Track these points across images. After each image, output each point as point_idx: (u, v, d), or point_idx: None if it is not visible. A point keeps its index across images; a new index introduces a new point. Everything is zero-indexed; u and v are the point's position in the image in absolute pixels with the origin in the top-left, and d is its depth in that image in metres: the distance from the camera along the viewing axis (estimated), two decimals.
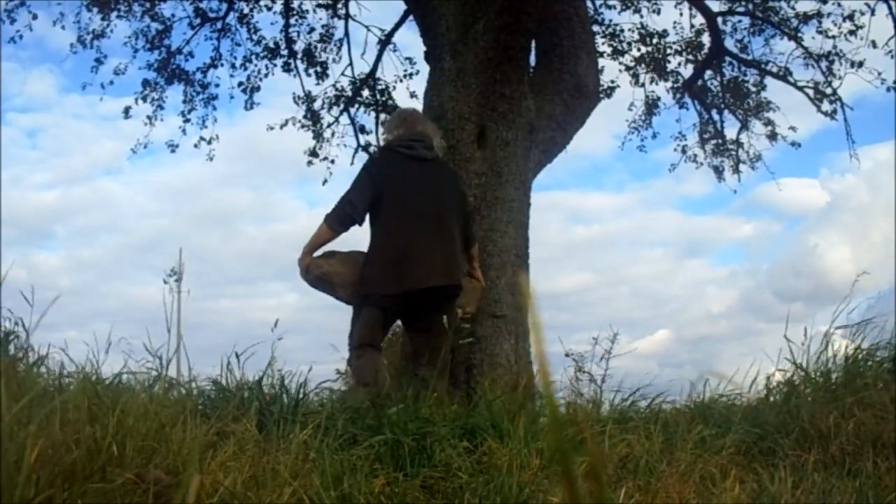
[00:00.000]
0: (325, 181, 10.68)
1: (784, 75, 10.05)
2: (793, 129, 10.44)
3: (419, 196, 4.30)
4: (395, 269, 4.14)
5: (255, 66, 10.10)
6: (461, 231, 4.48)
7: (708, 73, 10.53)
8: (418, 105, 6.48)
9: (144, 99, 9.83)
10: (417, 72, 10.07)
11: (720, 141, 10.86)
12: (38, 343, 3.04)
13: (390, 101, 10.32)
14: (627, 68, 10.45)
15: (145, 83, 9.82)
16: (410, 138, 4.47)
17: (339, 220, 4.25)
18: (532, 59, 6.32)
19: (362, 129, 10.52)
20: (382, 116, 10.38)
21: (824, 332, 3.93)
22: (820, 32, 9.62)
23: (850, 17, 9.34)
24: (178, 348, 3.29)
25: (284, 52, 10.10)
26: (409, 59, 10.23)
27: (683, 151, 11.12)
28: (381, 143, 4.65)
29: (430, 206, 4.28)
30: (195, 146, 10.25)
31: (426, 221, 4.24)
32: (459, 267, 4.38)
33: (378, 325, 4.28)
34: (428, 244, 4.17)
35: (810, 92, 9.90)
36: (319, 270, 4.28)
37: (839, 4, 9.42)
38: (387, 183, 4.26)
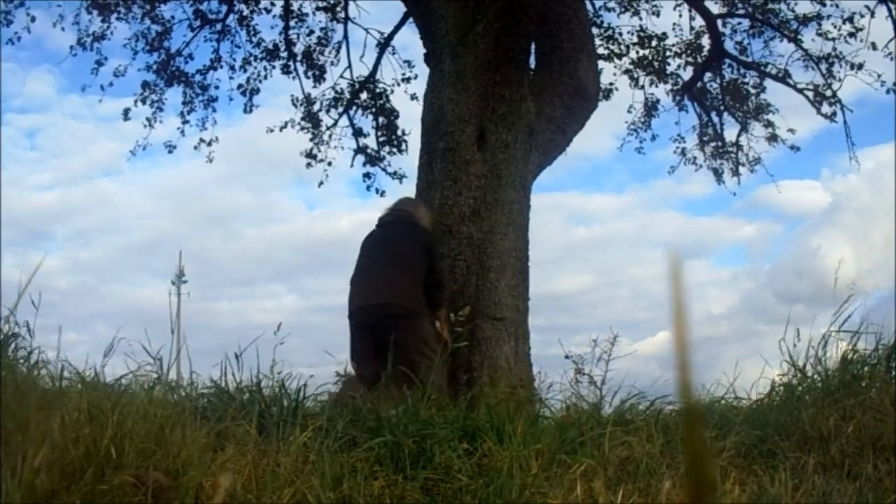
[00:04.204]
0: (320, 183, 10.66)
1: (784, 77, 10.04)
2: (791, 131, 10.44)
3: (376, 247, 5.22)
4: (353, 293, 5.10)
5: (255, 68, 10.11)
6: (423, 273, 5.06)
7: (707, 75, 10.52)
8: (418, 107, 6.49)
9: (144, 101, 9.82)
10: (416, 76, 10.07)
11: (720, 143, 10.85)
12: (39, 345, 3.04)
13: (388, 104, 10.31)
14: (626, 71, 10.45)
15: (145, 85, 9.82)
16: (385, 213, 5.45)
17: None
18: (532, 62, 6.32)
19: (360, 132, 10.51)
20: (381, 119, 10.38)
21: (823, 333, 3.93)
22: (820, 34, 9.60)
23: (850, 20, 9.32)
24: (179, 351, 3.29)
25: (284, 55, 10.10)
26: (409, 63, 10.23)
27: (683, 154, 11.11)
28: None
29: (383, 252, 5.15)
30: (195, 148, 10.23)
31: (378, 260, 5.11)
32: (407, 293, 4.95)
33: (357, 343, 4.99)
34: (379, 275, 5.04)
35: (810, 94, 9.90)
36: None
37: (839, 6, 9.41)
38: (360, 250, 5.27)
